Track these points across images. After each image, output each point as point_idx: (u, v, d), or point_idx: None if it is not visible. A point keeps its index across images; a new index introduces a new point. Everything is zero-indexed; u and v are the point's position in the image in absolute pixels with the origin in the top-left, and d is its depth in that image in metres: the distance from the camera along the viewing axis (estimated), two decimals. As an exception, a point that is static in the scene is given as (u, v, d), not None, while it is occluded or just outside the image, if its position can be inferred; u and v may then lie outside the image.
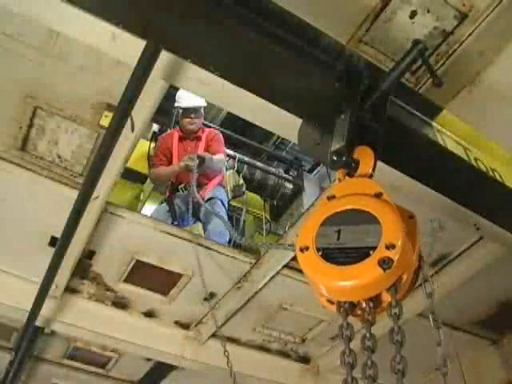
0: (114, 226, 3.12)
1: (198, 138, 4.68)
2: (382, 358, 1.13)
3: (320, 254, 1.19)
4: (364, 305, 1.16)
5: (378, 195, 1.28)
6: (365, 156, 1.44)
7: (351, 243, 1.17)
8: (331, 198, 1.34)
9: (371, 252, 1.12)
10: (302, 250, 1.23)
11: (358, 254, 1.14)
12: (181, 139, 4.68)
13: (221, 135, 4.83)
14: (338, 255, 1.17)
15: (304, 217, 3.09)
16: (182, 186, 4.47)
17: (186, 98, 4.52)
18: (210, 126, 5.26)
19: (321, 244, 1.21)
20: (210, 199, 4.42)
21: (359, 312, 1.20)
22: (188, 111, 4.59)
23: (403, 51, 1.57)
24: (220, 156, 4.57)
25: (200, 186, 4.47)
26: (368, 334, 1.13)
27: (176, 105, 4.67)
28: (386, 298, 1.16)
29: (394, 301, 1.13)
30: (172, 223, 4.22)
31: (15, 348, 3.67)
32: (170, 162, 4.63)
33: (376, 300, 1.17)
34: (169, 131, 4.97)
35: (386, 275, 1.09)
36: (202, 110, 4.71)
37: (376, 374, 1.09)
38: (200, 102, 4.54)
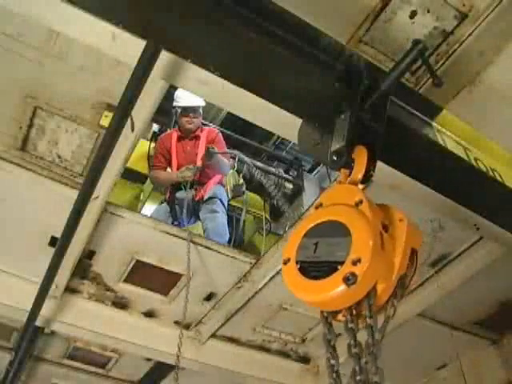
0: (114, 226, 3.12)
1: (197, 138, 4.68)
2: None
3: (298, 267, 1.20)
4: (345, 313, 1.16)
5: (358, 204, 1.26)
6: (358, 157, 1.43)
7: (324, 257, 1.17)
8: (319, 206, 1.34)
9: (339, 267, 1.12)
10: (285, 262, 1.24)
11: (327, 269, 1.14)
12: (179, 139, 4.68)
13: (221, 135, 4.83)
14: (312, 269, 1.17)
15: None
16: (183, 183, 4.48)
17: (184, 98, 4.52)
18: (207, 125, 5.25)
19: (300, 257, 1.22)
20: (209, 198, 4.43)
21: (342, 318, 1.20)
22: (187, 111, 4.60)
23: (403, 51, 1.57)
24: (226, 161, 4.59)
25: (200, 184, 4.48)
26: (353, 341, 1.13)
27: (174, 104, 4.67)
28: (363, 308, 1.16)
29: (368, 312, 1.13)
30: (172, 223, 4.22)
31: (15, 348, 3.67)
32: (169, 163, 4.64)
33: (357, 308, 1.17)
34: (167, 132, 4.97)
35: (351, 290, 1.09)
36: (201, 110, 4.71)
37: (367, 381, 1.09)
38: (199, 102, 4.54)
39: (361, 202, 1.26)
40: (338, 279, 1.10)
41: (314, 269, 1.17)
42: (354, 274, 1.09)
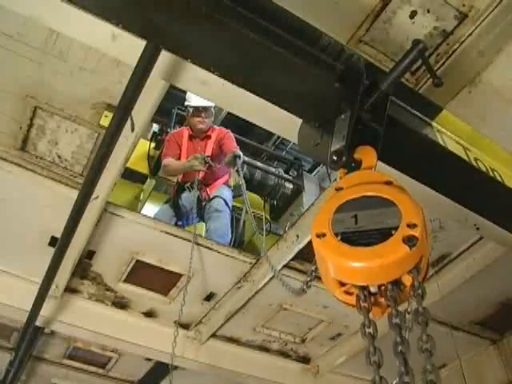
0: (113, 226, 3.12)
1: (208, 137, 4.65)
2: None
3: (339, 238, 1.18)
4: (389, 292, 1.14)
5: (388, 183, 1.29)
6: (367, 154, 1.44)
7: (371, 226, 1.17)
8: (339, 189, 1.34)
9: (393, 232, 1.12)
10: (318, 236, 1.20)
11: (380, 235, 1.13)
12: (190, 138, 4.65)
13: (230, 132, 4.76)
14: (359, 238, 1.16)
15: (304, 217, 3.09)
16: (188, 184, 4.47)
17: (196, 97, 4.45)
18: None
19: (338, 229, 1.20)
20: (213, 198, 4.41)
21: (380, 300, 1.17)
22: (198, 110, 4.54)
23: (403, 51, 1.57)
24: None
25: (206, 184, 4.46)
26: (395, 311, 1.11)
27: (186, 104, 4.63)
28: (407, 281, 1.15)
29: (417, 282, 1.13)
30: (176, 223, 4.22)
31: (15, 348, 3.67)
32: (178, 158, 4.61)
33: (398, 284, 1.16)
34: (178, 129, 4.91)
35: (411, 253, 1.09)
36: (213, 109, 4.65)
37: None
38: (210, 102, 4.48)
39: (390, 182, 1.29)
40: (398, 241, 1.10)
41: (361, 237, 1.16)
42: (413, 236, 1.09)
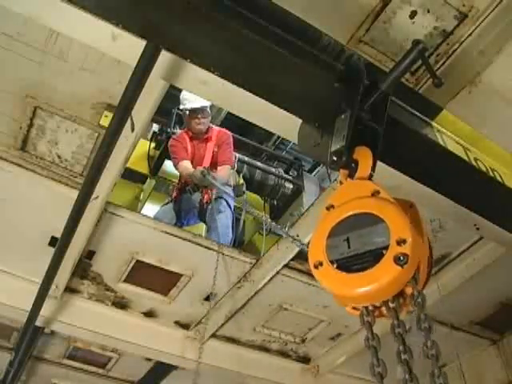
0: (113, 226, 3.12)
1: (209, 139, 4.63)
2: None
3: (335, 266, 1.19)
4: (391, 304, 1.16)
5: (375, 194, 1.28)
6: (363, 157, 1.43)
7: (363, 248, 1.17)
8: (330, 207, 1.33)
9: (384, 252, 1.12)
10: (316, 267, 1.22)
11: (372, 257, 1.14)
12: (191, 139, 4.63)
13: (231, 138, 4.74)
14: (354, 263, 1.16)
15: (304, 217, 3.09)
16: (190, 187, 4.47)
17: (192, 99, 4.43)
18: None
19: (333, 256, 1.20)
20: (215, 198, 4.40)
21: (385, 312, 1.19)
22: (195, 112, 4.52)
23: (403, 51, 1.57)
24: (223, 171, 4.51)
25: (207, 187, 4.45)
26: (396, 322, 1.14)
27: (182, 107, 4.60)
28: (408, 290, 1.16)
29: (416, 291, 1.14)
30: (176, 223, 4.21)
31: (15, 348, 3.67)
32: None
33: (401, 295, 1.17)
34: (178, 134, 4.88)
35: (404, 270, 1.10)
36: (209, 109, 4.61)
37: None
38: (206, 102, 4.44)
39: (378, 191, 1.28)
40: (389, 262, 1.10)
41: (356, 262, 1.16)
42: (404, 254, 1.09)
